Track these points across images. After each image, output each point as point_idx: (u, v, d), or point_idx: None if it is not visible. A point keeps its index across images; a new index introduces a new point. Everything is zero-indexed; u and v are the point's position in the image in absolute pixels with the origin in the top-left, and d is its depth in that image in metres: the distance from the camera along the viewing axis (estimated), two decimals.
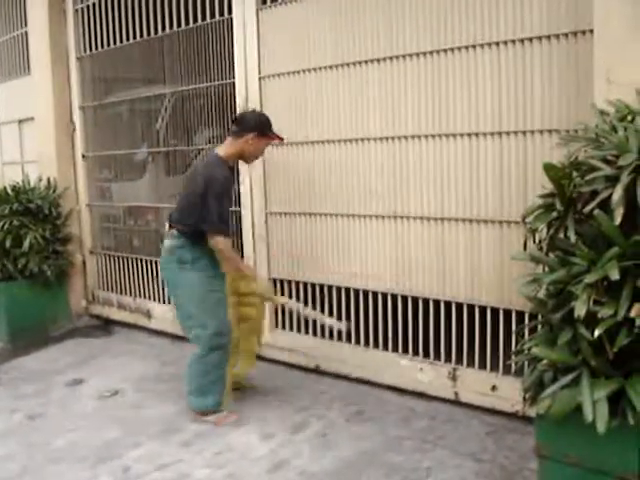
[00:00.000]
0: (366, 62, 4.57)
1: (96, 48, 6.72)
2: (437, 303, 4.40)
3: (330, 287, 4.97)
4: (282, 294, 5.27)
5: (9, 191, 6.69)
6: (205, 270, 4.32)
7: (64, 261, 6.81)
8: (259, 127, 4.36)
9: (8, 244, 6.39)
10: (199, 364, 4.31)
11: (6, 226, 6.41)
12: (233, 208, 5.44)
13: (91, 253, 7.12)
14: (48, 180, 6.92)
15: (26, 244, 6.42)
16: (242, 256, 5.45)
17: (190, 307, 4.32)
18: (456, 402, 4.33)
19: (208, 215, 4.16)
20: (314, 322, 5.08)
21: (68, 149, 7.05)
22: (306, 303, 5.09)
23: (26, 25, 7.35)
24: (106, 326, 6.89)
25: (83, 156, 7.02)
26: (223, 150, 4.37)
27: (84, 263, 7.17)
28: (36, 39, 7.11)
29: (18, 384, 5.33)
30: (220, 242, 4.21)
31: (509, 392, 3.94)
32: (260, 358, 5.38)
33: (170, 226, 4.38)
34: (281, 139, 4.56)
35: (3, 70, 8.10)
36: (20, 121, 7.77)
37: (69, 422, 4.53)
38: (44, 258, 6.57)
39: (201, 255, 4.30)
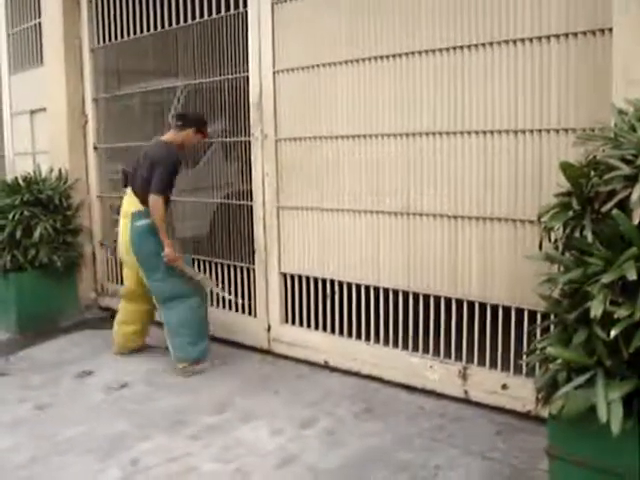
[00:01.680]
0: (381, 58, 4.55)
1: (109, 40, 6.72)
2: (448, 301, 4.38)
3: (341, 283, 4.96)
4: (292, 288, 5.28)
5: (20, 182, 6.70)
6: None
7: (74, 252, 6.82)
8: (197, 124, 5.27)
9: (18, 234, 6.40)
10: (200, 311, 5.21)
11: (17, 216, 6.41)
12: (244, 202, 5.50)
13: (101, 245, 7.13)
14: (59, 171, 6.93)
15: (36, 235, 6.43)
16: (253, 250, 5.45)
17: (162, 269, 5.09)
18: (466, 400, 4.31)
19: (155, 181, 4.97)
20: (316, 316, 5.12)
21: (80, 140, 7.06)
22: (316, 299, 5.10)
23: (40, 16, 7.36)
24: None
25: (95, 147, 7.03)
26: (167, 138, 5.23)
27: (94, 255, 7.18)
28: (50, 30, 7.12)
29: (27, 375, 5.33)
30: (155, 200, 4.96)
31: (520, 391, 3.94)
32: (269, 353, 5.40)
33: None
34: (206, 136, 5.47)
35: (16, 61, 8.11)
36: (32, 112, 7.78)
37: (77, 414, 4.53)
38: (54, 249, 6.58)
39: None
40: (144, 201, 5.04)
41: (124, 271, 5.55)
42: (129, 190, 5.24)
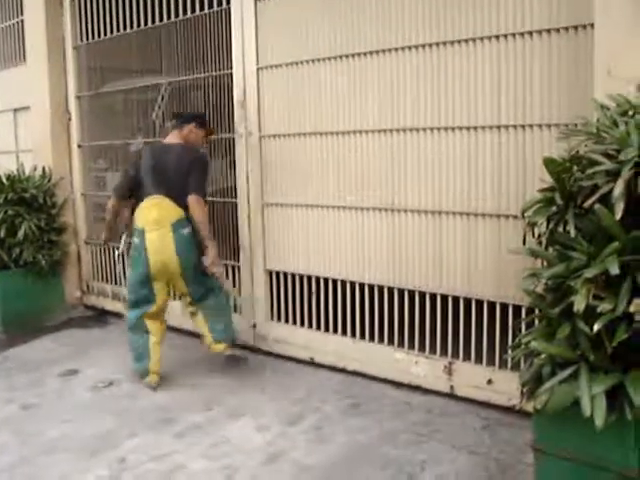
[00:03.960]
0: (365, 54, 4.55)
1: (93, 37, 6.69)
2: (433, 296, 4.40)
3: (326, 279, 4.96)
4: (277, 285, 5.28)
5: (4, 180, 6.66)
6: None
7: (59, 251, 6.79)
8: (196, 119, 5.00)
9: (3, 233, 6.37)
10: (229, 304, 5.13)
11: (0, 215, 6.38)
12: (229, 199, 5.49)
13: (86, 243, 7.10)
14: (43, 169, 6.89)
15: (21, 234, 6.41)
16: (238, 248, 5.45)
17: (200, 274, 4.83)
18: (452, 396, 4.33)
19: (195, 182, 4.71)
20: (309, 314, 5.09)
21: (63, 138, 7.03)
22: (302, 295, 5.10)
23: (22, 14, 7.30)
24: (101, 317, 6.87)
25: (79, 145, 7.00)
26: (175, 141, 4.92)
27: (79, 253, 7.15)
28: (32, 28, 7.07)
29: (12, 374, 5.30)
30: (198, 200, 4.68)
31: (505, 386, 3.95)
32: (255, 350, 5.39)
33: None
34: (212, 133, 5.31)
35: None
36: (15, 110, 7.73)
37: (64, 413, 4.51)
38: (39, 248, 6.56)
39: None
40: (181, 206, 4.67)
41: (155, 287, 4.77)
42: (156, 197, 4.69)
